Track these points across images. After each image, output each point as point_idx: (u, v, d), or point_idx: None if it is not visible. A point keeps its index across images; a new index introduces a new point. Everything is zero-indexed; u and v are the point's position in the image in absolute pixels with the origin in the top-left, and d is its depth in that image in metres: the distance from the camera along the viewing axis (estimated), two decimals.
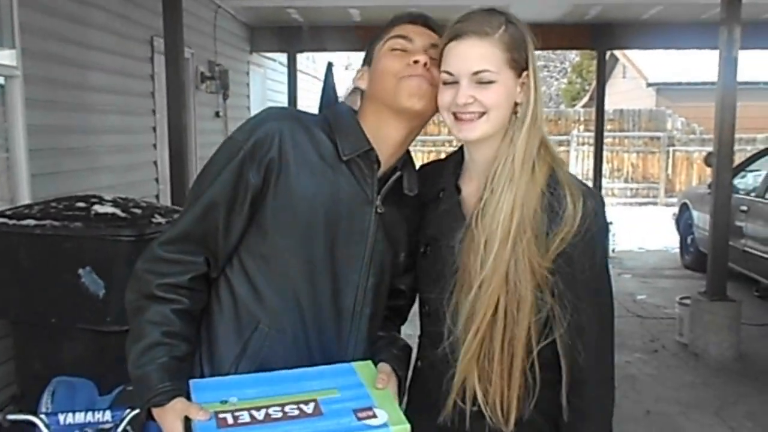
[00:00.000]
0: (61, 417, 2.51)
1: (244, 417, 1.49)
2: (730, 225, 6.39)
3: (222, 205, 1.66)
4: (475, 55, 1.68)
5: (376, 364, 1.73)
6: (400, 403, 1.72)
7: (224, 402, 1.54)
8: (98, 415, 2.52)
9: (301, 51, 10.82)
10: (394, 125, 1.75)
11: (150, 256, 1.70)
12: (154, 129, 6.73)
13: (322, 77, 10.06)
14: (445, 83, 1.71)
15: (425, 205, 1.87)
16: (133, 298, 1.69)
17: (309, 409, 1.52)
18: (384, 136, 1.75)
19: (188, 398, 1.59)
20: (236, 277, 1.73)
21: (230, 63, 8.94)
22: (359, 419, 1.51)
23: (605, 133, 11.37)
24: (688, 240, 9.94)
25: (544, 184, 1.71)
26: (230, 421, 1.48)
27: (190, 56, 7.36)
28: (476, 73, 1.68)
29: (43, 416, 2.46)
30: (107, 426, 2.52)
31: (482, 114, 1.70)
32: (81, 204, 4.10)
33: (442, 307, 1.75)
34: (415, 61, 1.70)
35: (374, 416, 1.52)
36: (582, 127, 18.27)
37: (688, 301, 6.49)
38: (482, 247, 1.69)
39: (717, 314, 6.10)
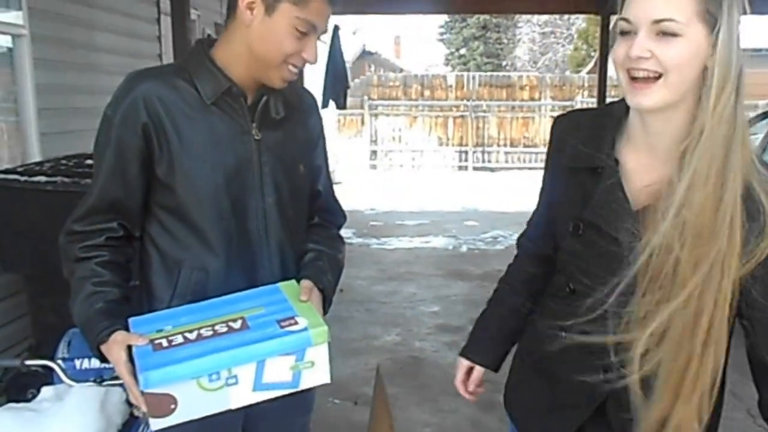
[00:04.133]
0: (77, 362, 2.61)
1: (178, 339, 1.64)
2: None
3: (114, 179, 1.80)
4: (661, 1, 1.40)
5: (299, 280, 1.89)
6: (324, 314, 1.86)
7: (160, 331, 1.68)
8: None
9: None
10: (258, 75, 1.84)
11: (67, 231, 1.86)
12: None
13: (329, 41, 10.15)
14: (622, 33, 1.45)
15: (578, 170, 1.65)
16: (65, 268, 1.86)
17: (237, 325, 1.67)
18: (248, 73, 1.84)
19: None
20: (155, 230, 1.88)
21: None
22: (282, 327, 1.66)
23: (608, 99, 11.34)
24: None
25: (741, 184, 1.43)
26: (165, 344, 1.63)
27: (197, 18, 7.38)
28: (658, 21, 1.40)
29: (60, 362, 2.51)
30: None
31: (659, 76, 1.42)
32: (90, 161, 4.17)
33: (607, 306, 1.52)
34: (305, 60, 1.81)
35: (296, 323, 1.67)
36: (586, 93, 18.19)
37: None
38: (677, 253, 1.43)
39: None
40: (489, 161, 18.35)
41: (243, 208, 1.87)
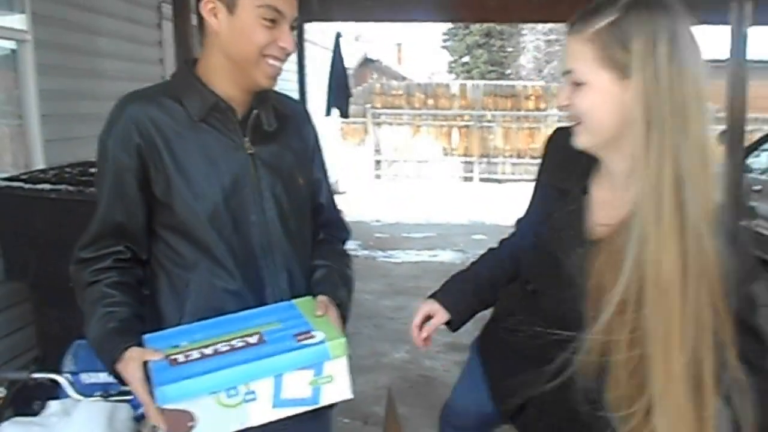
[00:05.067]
0: (84, 377, 2.58)
1: (194, 354, 1.61)
2: (740, 205, 6.33)
3: (115, 204, 1.80)
4: (569, 52, 1.53)
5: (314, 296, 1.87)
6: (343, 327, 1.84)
7: (175, 347, 1.65)
8: None
9: (310, 21, 10.72)
10: (243, 82, 1.81)
11: (76, 260, 1.85)
12: None
13: (332, 48, 10.10)
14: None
15: (554, 186, 1.77)
16: (78, 296, 1.85)
17: (253, 340, 1.65)
18: (233, 84, 1.82)
19: None
20: (160, 251, 1.87)
21: None
22: (299, 341, 1.64)
23: None
24: None
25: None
26: (181, 359, 1.59)
27: (198, 23, 7.32)
28: (567, 72, 1.55)
29: (67, 375, 2.49)
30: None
31: (579, 121, 1.55)
32: (95, 169, 4.12)
33: (566, 311, 1.62)
34: (282, 48, 1.78)
35: (312, 337, 1.65)
36: None
37: None
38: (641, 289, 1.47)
39: None
40: (495, 172, 18.22)
41: (244, 225, 1.85)
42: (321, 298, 1.85)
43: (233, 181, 1.82)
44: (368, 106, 18.28)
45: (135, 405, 2.63)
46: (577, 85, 1.51)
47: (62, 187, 3.73)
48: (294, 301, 1.85)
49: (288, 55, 1.82)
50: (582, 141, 1.57)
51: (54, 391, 2.61)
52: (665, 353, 1.44)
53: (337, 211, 2.16)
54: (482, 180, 18.09)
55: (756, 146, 8.33)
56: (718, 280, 1.44)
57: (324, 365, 1.64)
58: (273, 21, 1.74)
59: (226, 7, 1.74)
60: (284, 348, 1.62)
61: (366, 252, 9.77)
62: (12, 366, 4.11)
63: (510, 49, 34.45)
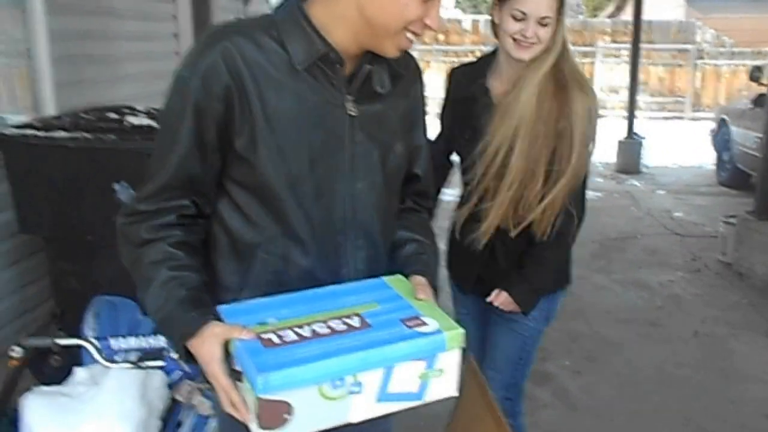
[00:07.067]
0: (112, 342, 2.39)
1: (290, 335, 1.40)
2: None
3: (193, 153, 1.54)
4: (544, 5, 2.25)
5: (406, 276, 1.67)
6: None
7: (263, 324, 1.43)
8: (152, 341, 2.40)
9: None
10: (367, 42, 1.58)
11: (130, 212, 1.59)
12: (176, 36, 6.41)
13: None
14: (515, 18, 2.26)
15: (465, 99, 2.49)
16: (126, 255, 1.60)
17: (355, 322, 1.46)
18: (352, 38, 1.57)
19: None
20: (227, 211, 1.63)
21: None
22: (410, 328, 1.46)
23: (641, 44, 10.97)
24: (725, 156, 9.67)
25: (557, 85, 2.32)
26: (276, 340, 1.38)
27: None
28: (543, 17, 2.25)
29: (94, 340, 2.34)
30: (160, 351, 2.40)
31: (536, 43, 2.29)
32: (113, 115, 3.89)
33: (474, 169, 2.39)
34: (427, 26, 1.55)
35: (424, 324, 1.47)
36: (608, 38, 17.77)
37: (733, 220, 6.27)
38: (513, 128, 2.31)
39: (766, 234, 5.88)
40: None
41: (329, 193, 1.61)
42: (420, 279, 1.66)
43: (324, 143, 1.58)
44: None
45: (169, 370, 2.49)
46: (543, 25, 2.26)
47: (79, 134, 3.50)
48: (384, 278, 1.65)
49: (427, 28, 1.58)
50: (534, 53, 2.29)
51: (77, 357, 2.48)
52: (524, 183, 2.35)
53: (431, 181, 1.93)
54: None
55: None
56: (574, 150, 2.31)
57: (437, 357, 1.46)
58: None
59: None
60: (396, 336, 1.43)
61: None
62: (28, 320, 3.98)
63: None
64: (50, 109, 4.36)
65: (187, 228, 1.58)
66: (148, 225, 1.55)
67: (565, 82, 2.32)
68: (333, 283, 1.62)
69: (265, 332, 1.40)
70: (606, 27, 18.32)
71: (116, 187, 3.32)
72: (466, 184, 2.51)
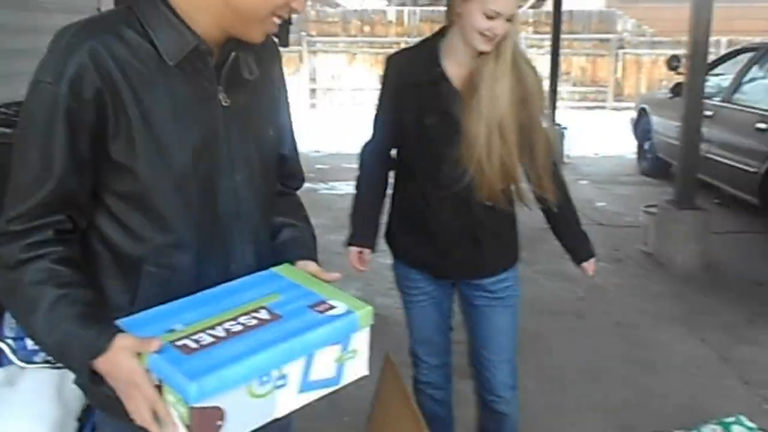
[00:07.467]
0: (29, 342, 2.36)
1: (205, 338, 1.33)
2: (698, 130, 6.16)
3: (70, 169, 1.42)
4: (512, 4, 2.38)
5: (290, 262, 1.66)
6: None
7: (171, 331, 1.35)
8: None
9: None
10: (233, 29, 1.51)
11: (0, 233, 1.43)
12: None
13: None
14: (488, 17, 2.33)
15: (421, 85, 2.53)
16: (1, 283, 1.43)
17: (265, 315, 1.42)
18: (216, 26, 1.49)
19: None
20: (106, 225, 1.52)
21: None
22: (321, 313, 1.44)
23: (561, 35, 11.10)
24: (646, 146, 9.84)
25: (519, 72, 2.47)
26: (193, 345, 1.31)
27: None
28: (511, 15, 2.37)
29: (9, 341, 2.33)
30: None
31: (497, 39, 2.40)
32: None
33: (452, 155, 2.45)
34: (293, 9, 1.51)
35: (333, 307, 1.46)
36: (531, 29, 17.94)
37: (653, 210, 6.34)
38: (484, 117, 2.40)
39: (685, 223, 5.98)
40: None
41: (212, 190, 1.55)
42: (312, 265, 1.65)
43: (203, 139, 1.50)
44: (303, 34, 17.82)
45: None
46: (509, 20, 2.36)
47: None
48: (273, 269, 1.61)
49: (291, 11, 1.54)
50: (490, 48, 2.39)
51: None
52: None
53: (298, 160, 1.89)
54: None
55: (706, 71, 8.20)
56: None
57: (351, 338, 1.46)
58: None
59: None
60: (311, 322, 1.40)
61: (308, 184, 9.28)
62: None
63: None
64: None
65: (67, 243, 1.46)
66: (23, 244, 1.41)
67: (517, 62, 2.45)
68: (223, 281, 1.55)
69: (178, 339, 1.32)
70: (528, 18, 18.48)
71: None
72: (424, 167, 2.60)
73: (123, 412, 1.33)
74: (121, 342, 1.32)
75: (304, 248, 1.74)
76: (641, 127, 9.95)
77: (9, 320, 2.54)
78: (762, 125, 6.87)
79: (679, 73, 8.28)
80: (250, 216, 1.63)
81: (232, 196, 1.57)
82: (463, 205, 2.55)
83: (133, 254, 1.51)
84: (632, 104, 12.67)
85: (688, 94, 5.98)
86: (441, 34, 2.57)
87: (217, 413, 1.27)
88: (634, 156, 10.50)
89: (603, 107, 17.78)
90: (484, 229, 2.63)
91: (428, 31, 17.71)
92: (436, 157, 2.52)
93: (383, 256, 6.31)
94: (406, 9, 19.27)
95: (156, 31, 1.44)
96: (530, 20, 18.24)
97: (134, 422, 1.32)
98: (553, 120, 10.73)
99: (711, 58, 7.17)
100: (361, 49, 18.03)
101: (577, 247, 2.83)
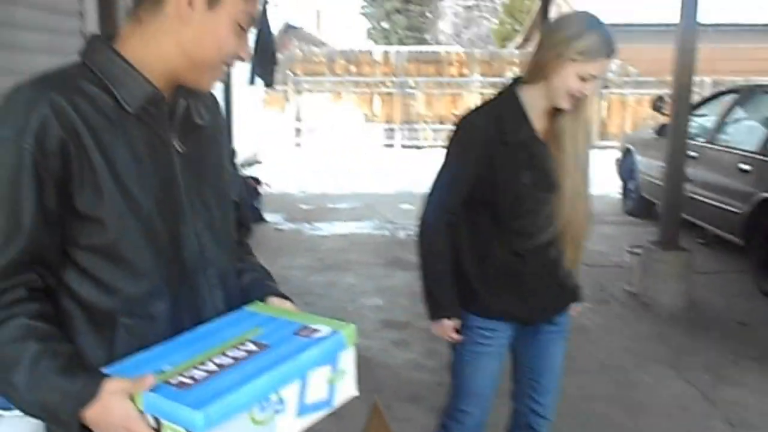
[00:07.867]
0: None
1: (198, 374, 1.32)
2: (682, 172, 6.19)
3: (41, 226, 1.41)
4: (607, 67, 2.43)
5: (261, 300, 1.69)
6: None
7: (161, 372, 1.32)
8: None
9: None
10: (184, 78, 1.55)
11: None
12: (80, 14, 6.17)
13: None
14: (583, 78, 2.36)
15: (509, 143, 2.49)
16: None
17: (252, 347, 1.42)
18: (168, 75, 1.53)
19: None
20: (76, 281, 1.49)
21: None
22: (307, 336, 1.47)
23: None
24: (631, 185, 9.86)
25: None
26: (188, 381, 1.29)
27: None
28: (602, 77, 2.50)
29: None
30: None
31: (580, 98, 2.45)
32: None
33: (545, 210, 2.51)
34: (240, 57, 1.57)
35: (316, 330, 1.49)
36: (517, 69, 18.05)
37: (638, 250, 6.35)
38: (572, 171, 2.49)
39: (670, 263, 5.97)
40: (417, 138, 18.12)
41: (177, 237, 1.55)
42: (288, 303, 1.70)
43: (162, 186, 1.51)
44: (289, 73, 17.87)
45: None
46: (588, 81, 2.38)
47: None
48: (246, 308, 1.63)
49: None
50: (573, 107, 2.45)
51: None
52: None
53: (246, 210, 1.88)
54: (404, 146, 18.00)
55: (690, 111, 8.24)
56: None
57: (339, 357, 1.49)
58: (243, 29, 1.52)
59: (208, 0, 1.46)
60: (300, 346, 1.42)
61: (292, 225, 9.41)
62: None
63: (429, 15, 34.24)
64: None
65: (41, 301, 1.43)
66: None
67: (588, 118, 2.58)
68: (197, 325, 1.55)
69: (171, 377, 1.30)
70: (514, 57, 18.62)
71: None
72: (509, 223, 2.59)
73: None
74: (111, 386, 1.29)
75: (269, 287, 1.75)
76: (626, 167, 9.98)
77: None
78: (745, 166, 6.91)
79: (664, 114, 8.34)
80: (216, 261, 1.63)
81: (195, 242, 1.58)
82: (551, 255, 2.59)
83: (106, 308, 1.48)
84: (617, 144, 12.72)
85: (672, 135, 6.00)
86: (514, 89, 2.56)
87: None
88: (619, 195, 10.51)
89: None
90: (565, 273, 2.66)
91: (414, 71, 18.00)
92: (532, 213, 2.53)
93: (365, 296, 6.31)
94: (392, 49, 19.40)
95: (113, 81, 1.46)
96: (516, 60, 18.39)
97: None
98: None
99: (695, 98, 7.22)
100: (347, 88, 18.07)
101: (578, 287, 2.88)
